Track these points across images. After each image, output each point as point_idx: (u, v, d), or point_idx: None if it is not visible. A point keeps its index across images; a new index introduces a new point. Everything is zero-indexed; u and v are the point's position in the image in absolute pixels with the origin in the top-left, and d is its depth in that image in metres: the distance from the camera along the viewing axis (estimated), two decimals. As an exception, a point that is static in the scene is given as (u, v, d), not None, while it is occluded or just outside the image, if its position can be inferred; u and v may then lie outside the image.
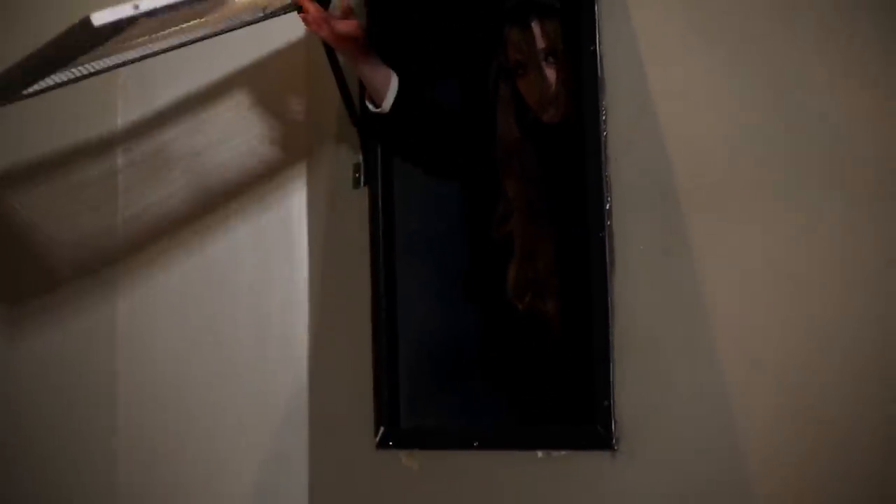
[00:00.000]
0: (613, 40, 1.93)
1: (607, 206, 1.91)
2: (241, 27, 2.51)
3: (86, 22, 1.57)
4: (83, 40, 1.70)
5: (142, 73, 2.84)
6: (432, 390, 2.35)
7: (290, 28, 2.82)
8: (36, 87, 2.21)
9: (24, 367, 2.87)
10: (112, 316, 2.87)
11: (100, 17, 1.57)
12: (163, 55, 2.48)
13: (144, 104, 2.96)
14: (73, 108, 2.89)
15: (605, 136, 1.93)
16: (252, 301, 2.92)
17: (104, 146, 2.93)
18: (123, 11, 1.59)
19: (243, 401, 2.89)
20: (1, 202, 2.88)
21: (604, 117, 1.93)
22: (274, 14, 2.48)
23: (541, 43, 2.19)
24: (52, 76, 2.18)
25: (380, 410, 2.43)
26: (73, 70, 2.20)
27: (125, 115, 2.94)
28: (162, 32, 2.18)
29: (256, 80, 2.95)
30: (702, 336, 1.76)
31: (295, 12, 2.51)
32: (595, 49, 1.95)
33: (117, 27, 1.68)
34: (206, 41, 2.51)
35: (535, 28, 2.19)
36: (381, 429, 2.41)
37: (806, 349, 1.62)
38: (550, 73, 2.21)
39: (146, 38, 2.17)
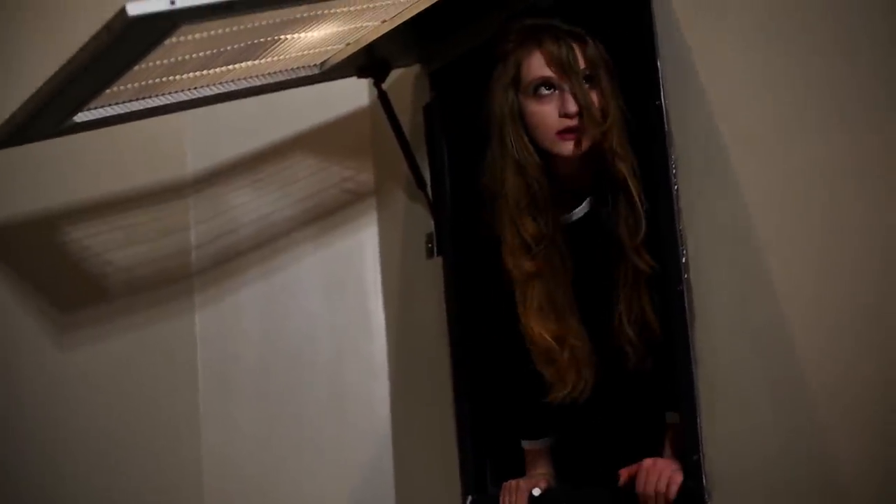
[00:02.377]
0: (678, 94, 1.93)
1: (683, 260, 1.90)
2: (299, 84, 2.56)
3: (121, 12, 1.56)
4: (121, 41, 1.68)
5: (208, 126, 2.89)
6: (516, 454, 2.33)
7: (355, 94, 2.89)
8: (89, 115, 2.25)
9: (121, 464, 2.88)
10: (194, 398, 2.88)
11: (135, 8, 1.55)
12: (231, 111, 2.56)
13: (211, 157, 2.99)
14: (142, 155, 2.94)
15: (677, 190, 1.92)
16: (330, 374, 2.94)
17: (174, 194, 2.95)
18: (158, 5, 1.57)
19: (327, 475, 2.89)
20: (68, 235, 2.89)
21: (674, 170, 1.93)
22: (331, 75, 2.52)
23: (582, 63, 2.04)
24: (108, 108, 2.25)
25: (466, 479, 2.42)
26: (128, 104, 2.27)
27: (195, 165, 2.98)
28: (214, 70, 2.22)
29: (323, 144, 3.01)
30: (786, 380, 1.74)
31: (355, 76, 2.57)
32: (660, 103, 1.95)
33: (155, 27, 1.69)
34: (271, 102, 2.59)
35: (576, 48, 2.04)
36: (469, 498, 2.40)
37: (892, 378, 1.59)
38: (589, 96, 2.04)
39: (198, 73, 2.21)
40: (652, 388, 2.07)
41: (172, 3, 1.58)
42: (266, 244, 2.99)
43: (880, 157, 1.59)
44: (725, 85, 1.87)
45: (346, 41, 2.32)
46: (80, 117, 2.24)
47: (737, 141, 1.84)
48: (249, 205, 2.99)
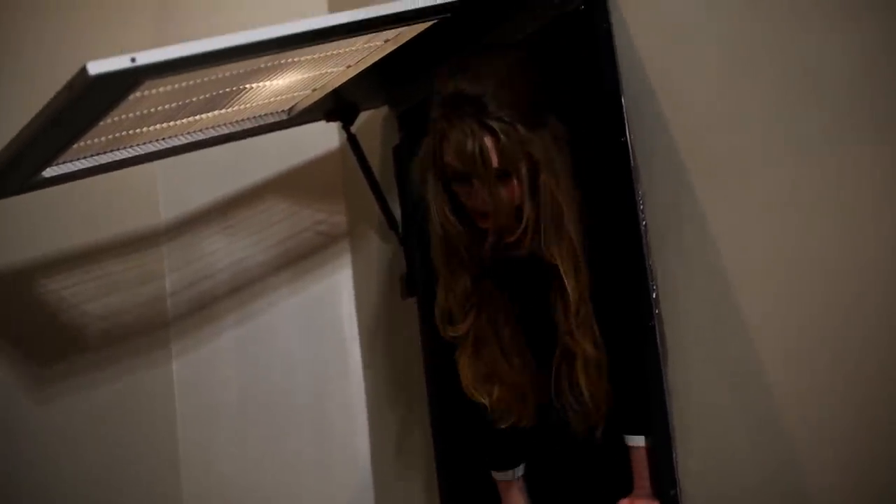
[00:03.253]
0: (643, 130, 1.94)
1: (654, 295, 1.91)
2: (268, 131, 2.56)
3: (82, 71, 1.54)
4: (84, 98, 1.68)
5: (180, 173, 2.89)
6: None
7: (325, 137, 2.90)
8: (57, 170, 2.24)
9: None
10: (173, 447, 2.88)
11: (96, 67, 1.54)
12: (202, 158, 2.56)
13: (184, 204, 2.99)
14: (115, 204, 2.94)
15: (645, 225, 1.93)
16: (310, 417, 2.94)
17: (148, 242, 2.95)
18: (120, 63, 1.56)
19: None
20: (43, 287, 2.88)
21: (641, 206, 1.93)
22: (299, 120, 2.53)
23: (494, 161, 1.89)
24: (76, 162, 2.25)
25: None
26: (97, 157, 2.27)
27: (167, 212, 2.98)
28: (181, 121, 2.22)
29: (295, 188, 3.01)
30: (761, 413, 1.74)
31: (323, 120, 2.57)
32: (626, 139, 1.96)
33: (118, 84, 1.68)
34: (242, 147, 2.59)
35: (488, 142, 1.88)
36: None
37: (870, 410, 1.60)
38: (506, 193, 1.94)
39: (166, 125, 2.21)
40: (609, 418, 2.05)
41: (133, 60, 1.58)
42: (241, 289, 2.99)
43: (848, 184, 1.60)
44: (690, 118, 1.88)
45: (313, 87, 2.33)
46: (49, 172, 2.24)
47: (703, 174, 1.85)
48: (223, 251, 3.00)
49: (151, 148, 2.33)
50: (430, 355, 2.51)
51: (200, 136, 2.39)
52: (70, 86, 1.62)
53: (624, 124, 1.96)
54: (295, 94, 2.37)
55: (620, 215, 1.95)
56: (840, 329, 1.62)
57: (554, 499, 2.26)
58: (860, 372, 1.59)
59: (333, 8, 2.96)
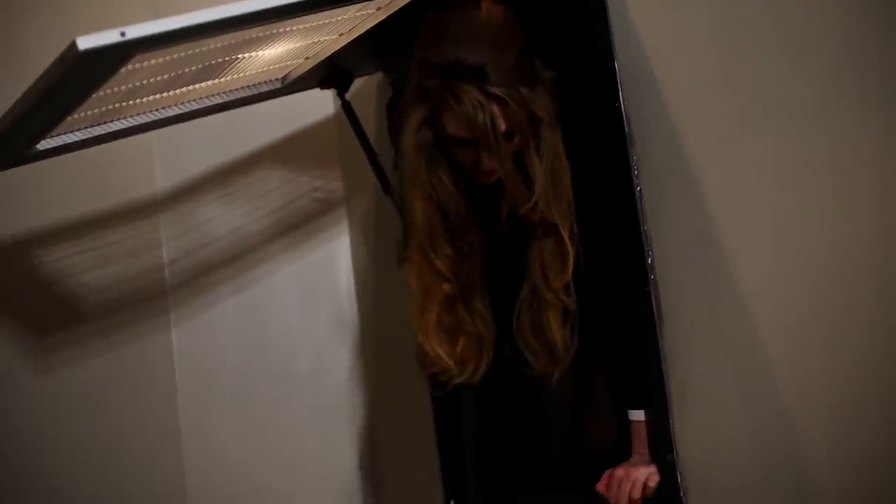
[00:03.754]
0: (637, 95, 1.93)
1: (649, 261, 1.91)
2: (262, 99, 2.55)
3: (71, 47, 1.53)
4: (75, 73, 1.66)
5: (176, 142, 2.88)
6: (497, 463, 2.34)
7: (321, 103, 2.88)
8: (51, 142, 2.23)
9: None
10: (173, 416, 2.88)
11: (85, 42, 1.53)
12: (197, 127, 2.55)
13: (180, 173, 2.98)
14: (111, 174, 2.92)
15: (640, 191, 1.92)
16: (310, 385, 2.94)
17: (145, 212, 2.95)
18: (109, 37, 1.55)
19: (309, 486, 2.90)
20: (40, 259, 2.89)
21: (636, 171, 1.93)
22: (293, 88, 2.52)
23: (502, 127, 1.89)
24: (70, 134, 2.23)
25: (447, 484, 2.43)
26: (90, 129, 2.26)
27: (164, 182, 2.97)
28: (174, 92, 2.20)
29: (291, 155, 3.00)
30: (756, 379, 1.75)
31: (318, 88, 2.56)
32: (619, 105, 1.95)
33: (109, 58, 1.67)
34: (238, 115, 2.57)
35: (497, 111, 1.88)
36: (452, 502, 2.41)
37: (859, 378, 1.60)
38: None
39: (159, 96, 2.20)
40: (567, 388, 2.11)
41: (123, 34, 1.57)
42: (239, 258, 2.99)
43: (845, 154, 1.60)
44: (683, 83, 1.88)
45: (306, 55, 2.32)
46: (43, 145, 2.22)
47: (698, 140, 1.85)
48: (220, 219, 2.99)
49: (145, 119, 2.32)
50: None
51: (194, 106, 2.38)
52: (60, 60, 1.61)
53: (618, 90, 1.96)
54: (288, 63, 2.35)
55: (615, 181, 1.95)
56: (837, 295, 1.63)
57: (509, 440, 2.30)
58: (856, 338, 1.59)
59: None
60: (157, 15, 2.84)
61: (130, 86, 2.00)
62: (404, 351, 2.67)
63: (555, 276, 1.97)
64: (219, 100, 2.40)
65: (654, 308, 1.90)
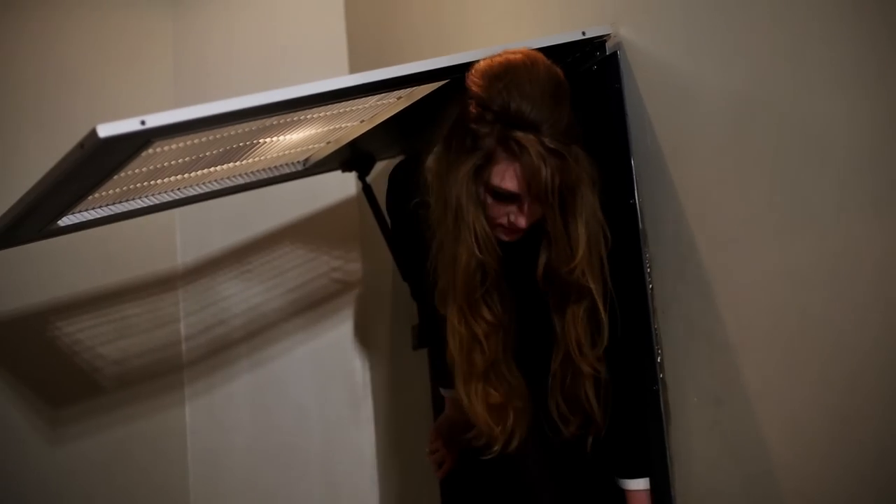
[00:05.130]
0: (652, 193, 1.94)
1: (658, 359, 1.90)
2: (283, 180, 2.57)
3: (92, 134, 1.56)
4: (96, 157, 1.69)
5: (198, 218, 2.91)
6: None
7: (343, 183, 2.91)
8: (73, 219, 2.26)
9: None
10: (184, 490, 2.88)
11: (105, 129, 1.55)
12: (220, 203, 2.57)
13: (201, 249, 3.01)
14: (133, 248, 2.96)
15: (651, 289, 1.93)
16: (321, 465, 2.94)
17: (165, 287, 2.97)
18: (129, 126, 1.57)
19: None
20: (60, 330, 2.91)
21: (648, 269, 1.93)
22: (315, 170, 2.54)
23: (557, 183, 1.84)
24: (92, 211, 2.26)
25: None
26: (112, 207, 2.29)
27: (185, 257, 3.00)
28: (194, 173, 2.23)
29: (311, 234, 3.03)
30: (759, 481, 1.73)
31: (339, 170, 2.59)
32: (634, 202, 1.96)
33: (129, 145, 1.70)
34: (260, 193, 2.60)
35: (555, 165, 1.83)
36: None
37: (863, 480, 1.59)
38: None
39: (180, 177, 2.22)
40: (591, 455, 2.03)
41: (143, 122, 1.60)
42: (256, 335, 3.01)
43: (853, 260, 1.59)
44: (697, 183, 1.88)
45: (327, 140, 2.35)
46: (65, 221, 2.25)
47: (709, 240, 1.85)
48: (239, 296, 3.02)
49: (166, 198, 2.35)
50: (440, 407, 2.51)
51: (216, 186, 2.41)
52: (81, 145, 1.64)
53: (633, 186, 1.97)
54: (309, 147, 2.38)
55: (628, 277, 1.95)
56: (840, 401, 1.62)
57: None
58: (860, 442, 1.58)
59: (354, 62, 2.98)
60: (182, 94, 2.93)
61: (151, 167, 2.03)
62: (416, 432, 2.68)
63: (589, 344, 1.93)
64: (240, 181, 2.43)
65: (662, 406, 1.89)
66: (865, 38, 1.51)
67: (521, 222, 1.88)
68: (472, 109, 1.86)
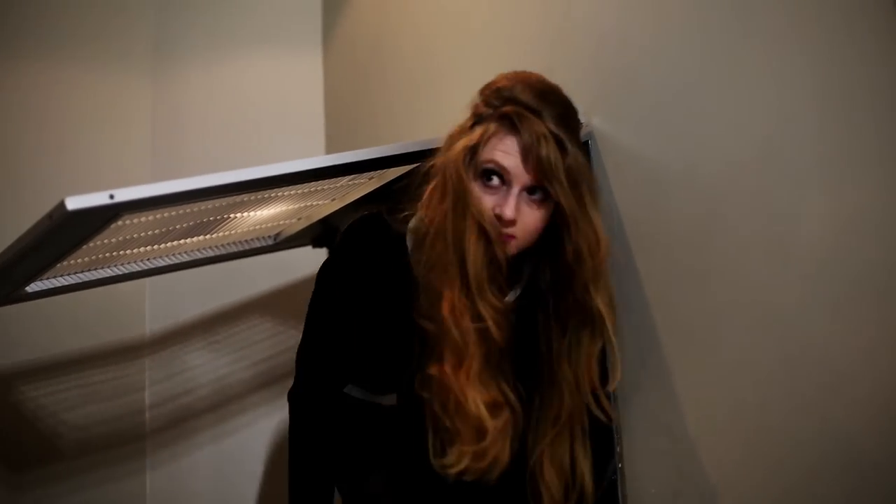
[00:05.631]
0: (617, 281, 1.95)
1: (618, 448, 1.91)
2: (253, 254, 2.58)
3: (60, 206, 1.57)
4: (64, 229, 1.69)
5: (167, 287, 2.91)
6: None
7: (314, 257, 2.92)
8: (41, 285, 2.25)
9: None
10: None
11: (74, 202, 1.57)
12: (190, 273, 2.56)
13: (169, 318, 3.01)
14: (101, 314, 2.95)
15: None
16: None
17: (131, 354, 2.96)
18: (98, 199, 1.58)
19: None
20: (23, 394, 2.88)
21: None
22: (285, 245, 2.55)
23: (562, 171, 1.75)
24: (60, 278, 2.27)
25: None
26: (81, 275, 2.29)
27: (153, 325, 2.99)
28: (164, 245, 2.24)
29: (280, 307, 3.02)
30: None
31: (310, 246, 2.59)
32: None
33: (97, 217, 1.71)
34: (231, 264, 2.59)
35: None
36: None
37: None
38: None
39: (150, 248, 2.23)
40: None
41: (111, 196, 1.60)
42: (221, 406, 3.00)
43: (810, 359, 1.61)
44: (661, 275, 1.90)
45: (298, 216, 2.36)
46: (32, 287, 2.25)
47: (670, 333, 1.86)
48: (206, 366, 3.01)
49: (136, 267, 2.36)
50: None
51: (186, 258, 2.42)
52: (49, 216, 1.65)
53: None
54: (280, 223, 2.39)
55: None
56: (798, 497, 1.62)
57: None
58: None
59: (330, 138, 3.01)
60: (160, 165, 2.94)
61: (121, 238, 2.03)
62: None
63: (588, 383, 1.83)
64: (210, 253, 2.44)
65: (620, 497, 1.89)
66: (830, 138, 1.54)
67: (508, 212, 1.76)
68: (482, 99, 1.83)
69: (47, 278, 2.25)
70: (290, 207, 2.24)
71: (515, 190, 1.77)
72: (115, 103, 3.10)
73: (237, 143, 3.14)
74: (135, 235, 2.05)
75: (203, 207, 1.96)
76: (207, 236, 2.27)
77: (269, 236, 2.51)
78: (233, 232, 2.31)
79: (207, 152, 3.10)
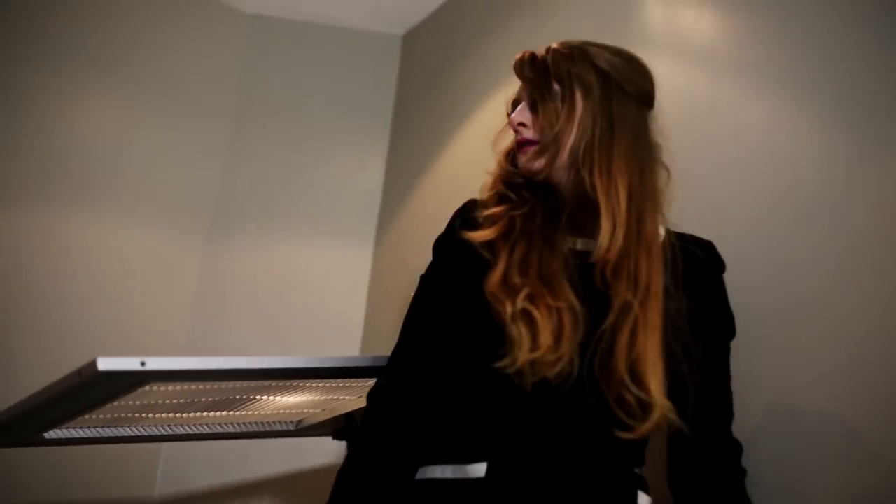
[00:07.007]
0: None
1: None
2: (273, 437, 2.57)
3: (91, 365, 1.59)
4: (91, 386, 1.71)
5: (182, 454, 2.89)
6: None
7: (331, 450, 2.91)
8: (59, 433, 2.25)
9: None
10: None
11: (105, 363, 1.59)
12: (207, 444, 2.54)
13: (180, 484, 2.98)
14: (113, 469, 2.93)
15: None
16: None
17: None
18: (129, 364, 1.61)
19: None
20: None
21: None
22: (306, 433, 2.55)
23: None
24: (79, 429, 2.26)
25: None
26: (100, 430, 2.29)
27: (162, 489, 2.96)
28: (186, 414, 2.25)
29: (294, 492, 3.00)
30: None
31: (330, 437, 2.59)
32: None
33: (126, 381, 1.72)
34: (248, 441, 2.58)
35: None
36: None
37: None
38: None
39: (172, 415, 2.24)
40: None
41: (143, 364, 1.64)
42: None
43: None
44: None
45: (323, 407, 2.37)
46: (50, 434, 2.27)
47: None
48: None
49: (155, 431, 2.36)
50: None
51: (206, 430, 2.42)
52: (79, 373, 1.68)
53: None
54: (305, 411, 2.41)
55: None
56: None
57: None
58: None
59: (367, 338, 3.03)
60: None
61: (145, 402, 2.05)
62: None
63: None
64: (230, 429, 2.45)
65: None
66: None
67: (515, 116, 1.79)
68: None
69: (66, 427, 2.27)
70: (315, 398, 2.25)
71: (521, 105, 1.80)
72: (165, 262, 3.17)
73: (275, 323, 3.18)
74: (159, 401, 2.07)
75: (230, 386, 1.98)
76: (231, 413, 2.29)
77: (292, 422, 2.51)
78: (256, 412, 2.32)
79: (245, 326, 3.14)
